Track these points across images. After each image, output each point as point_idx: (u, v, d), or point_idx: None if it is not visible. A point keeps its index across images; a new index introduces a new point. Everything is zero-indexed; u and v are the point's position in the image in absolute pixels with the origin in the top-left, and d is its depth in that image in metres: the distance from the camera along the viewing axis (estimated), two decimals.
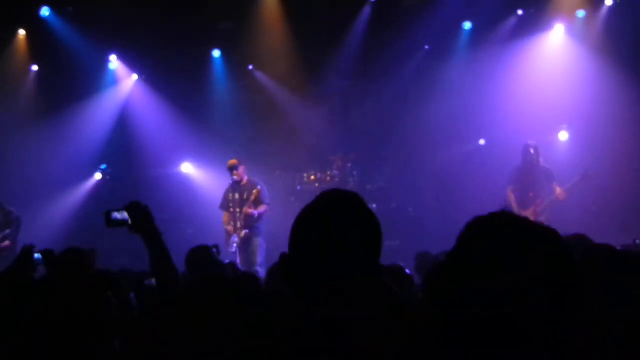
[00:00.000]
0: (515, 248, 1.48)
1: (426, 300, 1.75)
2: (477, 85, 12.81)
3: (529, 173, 10.97)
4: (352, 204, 2.11)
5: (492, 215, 1.57)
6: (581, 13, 12.69)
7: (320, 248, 2.04)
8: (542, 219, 10.71)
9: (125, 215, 3.72)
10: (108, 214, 3.76)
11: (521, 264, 1.46)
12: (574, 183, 10.84)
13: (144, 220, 3.71)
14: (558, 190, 10.85)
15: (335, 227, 2.05)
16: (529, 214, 10.76)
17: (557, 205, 10.93)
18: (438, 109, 12.79)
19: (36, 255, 5.17)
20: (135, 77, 14.19)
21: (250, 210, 11.18)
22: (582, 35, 12.70)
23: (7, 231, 11.55)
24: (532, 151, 10.94)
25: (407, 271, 5.52)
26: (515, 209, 10.89)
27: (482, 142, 13.36)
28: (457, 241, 1.57)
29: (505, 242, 1.49)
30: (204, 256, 5.81)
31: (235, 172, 11.38)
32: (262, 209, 11.25)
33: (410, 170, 13.08)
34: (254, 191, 11.27)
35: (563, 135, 12.56)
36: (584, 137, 12.22)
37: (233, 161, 11.45)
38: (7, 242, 11.47)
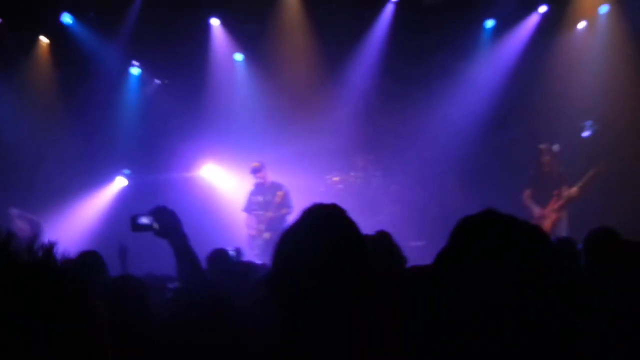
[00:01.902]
0: (499, 246, 1.49)
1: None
2: (502, 83, 12.73)
3: (544, 175, 11.05)
4: (309, 220, 2.19)
5: (477, 214, 1.59)
6: (604, 8, 12.58)
7: (278, 263, 2.19)
8: (564, 215, 10.76)
9: (151, 219, 3.70)
10: (134, 219, 3.75)
11: (505, 262, 1.46)
12: (589, 177, 10.80)
13: (170, 225, 3.68)
14: (567, 192, 10.83)
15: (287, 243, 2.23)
16: (547, 212, 10.80)
17: (579, 203, 10.88)
18: (462, 108, 12.72)
19: None
20: (157, 81, 14.22)
21: (274, 215, 11.23)
22: (606, 31, 12.58)
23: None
24: (545, 154, 11.03)
25: None
26: (535, 210, 10.91)
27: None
28: (447, 242, 1.58)
29: (489, 241, 1.50)
30: (221, 258, 5.81)
31: (258, 174, 11.40)
32: (285, 212, 11.24)
33: (435, 169, 12.98)
34: (279, 193, 11.28)
35: (586, 133, 12.43)
36: (608, 134, 12.07)
37: (256, 164, 11.47)
38: None
